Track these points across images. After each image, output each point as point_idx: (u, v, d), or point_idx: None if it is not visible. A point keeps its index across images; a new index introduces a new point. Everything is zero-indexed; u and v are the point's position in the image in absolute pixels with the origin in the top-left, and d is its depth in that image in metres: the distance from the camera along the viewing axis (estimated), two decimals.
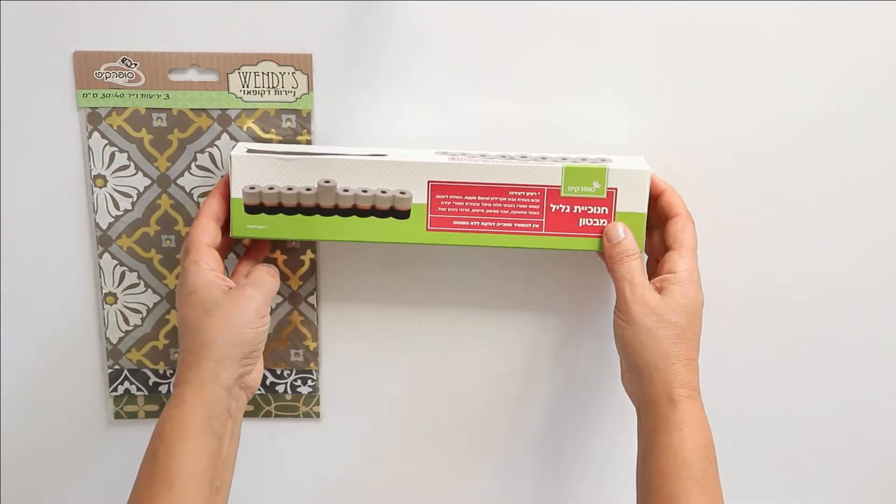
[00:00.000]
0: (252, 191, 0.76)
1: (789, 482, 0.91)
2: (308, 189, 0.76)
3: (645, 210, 0.76)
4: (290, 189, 0.76)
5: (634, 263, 0.74)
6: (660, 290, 0.74)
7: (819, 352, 0.86)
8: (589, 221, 0.76)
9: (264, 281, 0.75)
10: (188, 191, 0.82)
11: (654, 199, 0.77)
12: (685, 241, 0.75)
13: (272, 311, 0.85)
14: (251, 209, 0.76)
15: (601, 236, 0.76)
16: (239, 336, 0.72)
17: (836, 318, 0.85)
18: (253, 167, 0.75)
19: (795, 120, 0.79)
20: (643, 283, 0.74)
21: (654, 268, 0.78)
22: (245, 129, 0.80)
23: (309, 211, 0.76)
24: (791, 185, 0.81)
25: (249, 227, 0.77)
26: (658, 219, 0.78)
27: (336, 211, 0.76)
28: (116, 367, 0.86)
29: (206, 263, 0.73)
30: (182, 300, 0.73)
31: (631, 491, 0.91)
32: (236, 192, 0.76)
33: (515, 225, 0.76)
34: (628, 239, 0.75)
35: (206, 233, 0.74)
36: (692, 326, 0.73)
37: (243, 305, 0.72)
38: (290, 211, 0.76)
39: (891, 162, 0.80)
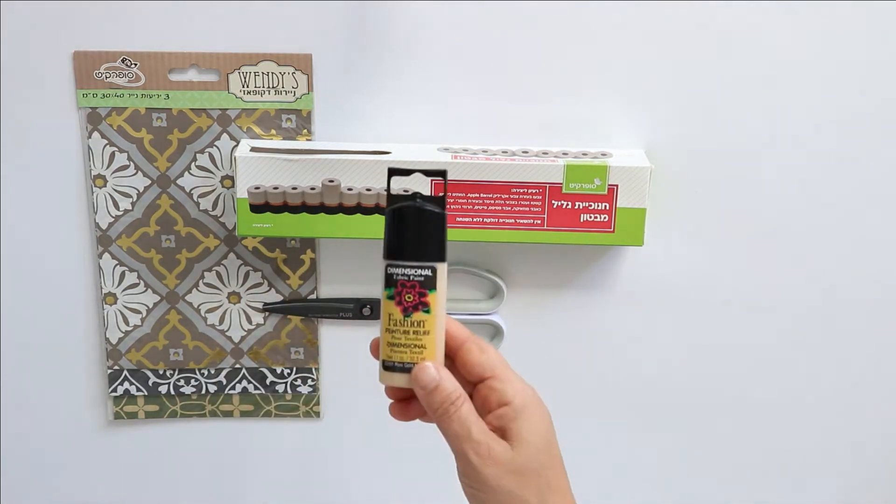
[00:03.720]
0: (257, 191, 0.76)
1: (786, 480, 0.92)
2: (312, 188, 0.76)
3: (645, 205, 0.77)
4: (294, 188, 0.76)
5: (465, 412, 0.58)
6: (501, 433, 0.59)
7: (820, 351, 0.87)
8: (590, 217, 0.77)
9: None
10: (188, 191, 0.82)
11: None
12: (495, 361, 0.61)
13: (270, 312, 0.85)
14: (256, 208, 0.77)
15: (601, 230, 0.77)
16: None
17: (837, 318, 0.86)
18: (257, 168, 0.76)
19: (796, 119, 0.80)
20: (484, 435, 0.58)
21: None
22: (245, 130, 0.81)
23: (313, 209, 0.77)
24: (792, 183, 0.82)
25: (255, 225, 0.78)
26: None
27: (340, 209, 0.77)
28: (116, 367, 0.86)
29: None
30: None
31: (632, 492, 0.92)
32: (241, 192, 0.77)
33: (518, 221, 0.77)
34: (446, 381, 0.59)
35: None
36: (552, 462, 0.60)
37: None
38: (295, 210, 0.77)
39: (892, 161, 0.81)
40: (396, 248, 0.60)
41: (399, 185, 0.76)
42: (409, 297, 0.60)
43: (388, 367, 0.61)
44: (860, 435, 0.90)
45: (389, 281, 0.60)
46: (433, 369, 0.59)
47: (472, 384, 0.61)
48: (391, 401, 0.63)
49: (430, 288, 0.60)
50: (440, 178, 0.62)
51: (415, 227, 0.60)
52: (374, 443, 0.90)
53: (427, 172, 0.61)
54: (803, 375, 0.88)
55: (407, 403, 0.62)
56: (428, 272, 0.60)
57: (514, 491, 0.57)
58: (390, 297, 0.60)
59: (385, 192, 0.76)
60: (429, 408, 0.59)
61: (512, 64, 0.79)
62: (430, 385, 0.58)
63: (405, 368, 0.60)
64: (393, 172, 0.61)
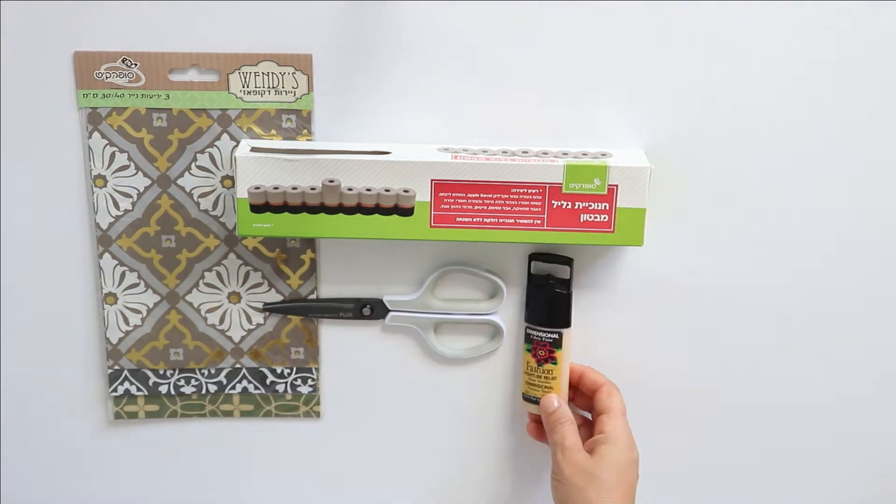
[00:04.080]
0: (257, 191, 0.77)
1: (786, 481, 0.91)
2: (312, 188, 0.77)
3: (645, 205, 0.77)
4: (294, 188, 0.76)
5: (567, 429, 0.80)
6: (591, 452, 0.79)
7: (820, 351, 0.87)
8: (590, 217, 0.77)
9: None
10: (188, 191, 0.82)
11: (575, 384, 0.85)
12: (613, 405, 0.82)
13: (270, 312, 0.85)
14: (256, 209, 0.77)
15: (601, 230, 0.78)
16: None
17: (836, 317, 0.86)
18: (257, 168, 0.76)
19: (797, 119, 0.80)
20: (574, 445, 0.79)
21: (586, 434, 0.83)
22: (245, 130, 0.81)
23: (313, 209, 0.77)
24: (792, 184, 0.82)
25: (255, 225, 0.78)
26: (584, 396, 0.86)
27: (340, 209, 0.77)
28: (116, 367, 0.86)
29: None
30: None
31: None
32: (241, 193, 0.77)
33: (518, 221, 0.77)
34: (562, 408, 0.82)
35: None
36: (624, 480, 0.78)
37: None
38: (295, 210, 0.77)
39: (892, 162, 0.81)
40: (534, 316, 0.84)
41: (402, 184, 0.76)
42: (541, 353, 0.83)
43: (526, 398, 0.85)
44: (861, 435, 0.90)
45: (528, 338, 0.84)
46: (555, 399, 0.82)
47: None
48: (529, 421, 0.87)
49: (558, 347, 0.83)
50: (566, 263, 0.83)
51: (548, 302, 0.83)
52: (374, 443, 0.90)
53: (559, 259, 0.83)
54: (804, 375, 0.88)
55: (540, 425, 0.84)
56: (556, 335, 0.83)
57: (582, 487, 0.77)
58: (528, 350, 0.84)
59: (384, 193, 0.77)
60: (546, 425, 0.82)
61: (512, 64, 0.79)
62: (549, 409, 0.82)
63: (537, 401, 0.84)
64: (533, 257, 0.83)
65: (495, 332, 0.86)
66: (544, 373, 0.83)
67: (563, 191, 0.77)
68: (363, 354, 0.87)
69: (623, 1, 0.77)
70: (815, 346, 0.87)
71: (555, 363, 0.83)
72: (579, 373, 0.84)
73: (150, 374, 0.87)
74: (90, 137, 0.80)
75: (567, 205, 0.77)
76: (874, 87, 0.79)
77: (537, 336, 0.83)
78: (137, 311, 0.85)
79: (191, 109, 0.80)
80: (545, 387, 0.83)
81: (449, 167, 0.76)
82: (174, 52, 0.79)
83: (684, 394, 0.88)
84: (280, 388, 0.87)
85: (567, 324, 0.83)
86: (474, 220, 0.77)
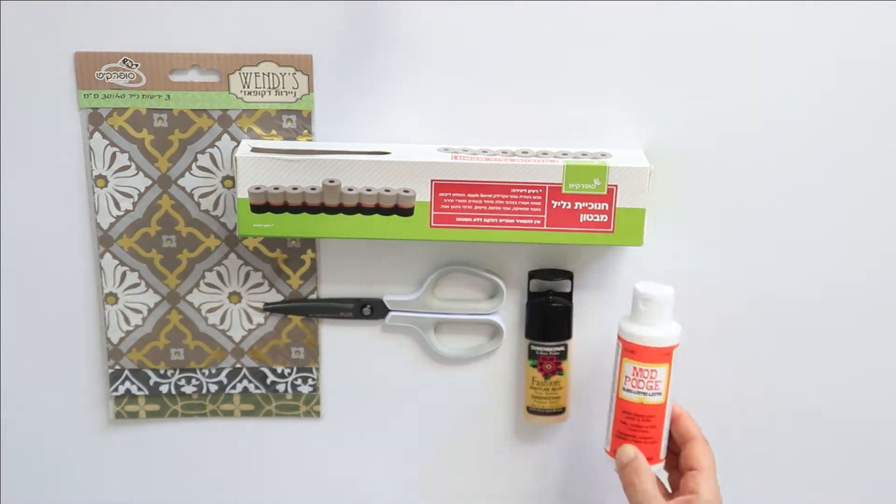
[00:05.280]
0: (258, 191, 0.77)
1: (786, 481, 0.92)
2: (313, 189, 0.77)
3: (645, 205, 0.77)
4: (294, 189, 0.77)
5: (649, 483, 0.76)
6: None
7: (820, 351, 0.87)
8: (590, 217, 0.77)
9: None
10: (189, 191, 0.82)
11: (671, 424, 0.80)
12: (706, 463, 0.77)
13: (270, 312, 0.85)
14: (257, 209, 0.77)
15: (601, 230, 0.78)
16: None
17: (838, 317, 0.86)
18: (258, 168, 0.76)
19: (797, 119, 0.80)
20: (659, 499, 0.75)
21: (675, 484, 0.80)
22: (246, 130, 0.81)
23: (314, 209, 0.77)
24: (792, 183, 0.82)
25: (255, 226, 0.78)
26: (674, 442, 0.80)
27: (340, 209, 0.77)
28: (117, 367, 0.86)
29: None
30: None
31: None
32: (242, 193, 0.77)
33: (518, 221, 0.78)
34: (639, 458, 0.77)
35: None
36: None
37: None
38: (296, 210, 0.77)
39: (892, 163, 0.82)
40: (536, 331, 0.84)
41: (402, 184, 0.77)
42: (548, 366, 0.84)
43: (532, 411, 0.86)
44: (861, 435, 0.90)
45: (532, 354, 0.84)
46: (631, 450, 0.77)
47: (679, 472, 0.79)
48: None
49: (563, 358, 0.84)
50: (567, 277, 0.83)
51: (549, 316, 0.83)
52: (374, 443, 0.90)
53: (559, 275, 0.83)
54: (804, 376, 0.88)
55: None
56: (562, 348, 0.84)
57: None
58: (533, 366, 0.84)
59: (385, 193, 0.77)
60: (623, 476, 0.77)
61: (512, 64, 0.79)
62: (625, 460, 0.77)
63: (545, 412, 0.85)
64: (533, 275, 0.83)
65: (495, 331, 0.86)
66: (552, 385, 0.84)
67: (563, 191, 0.77)
68: (363, 354, 0.88)
69: (623, 1, 0.77)
70: (815, 346, 0.87)
71: (562, 374, 0.84)
72: (678, 414, 0.80)
73: (150, 373, 0.87)
74: (91, 138, 0.80)
75: (567, 205, 0.77)
76: (876, 87, 0.79)
77: (543, 351, 0.84)
78: (138, 311, 0.85)
79: (191, 110, 0.80)
80: (553, 398, 0.85)
81: (449, 167, 0.76)
82: (175, 52, 0.79)
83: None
84: (280, 387, 0.88)
85: (569, 335, 0.84)
86: (474, 220, 0.78)
